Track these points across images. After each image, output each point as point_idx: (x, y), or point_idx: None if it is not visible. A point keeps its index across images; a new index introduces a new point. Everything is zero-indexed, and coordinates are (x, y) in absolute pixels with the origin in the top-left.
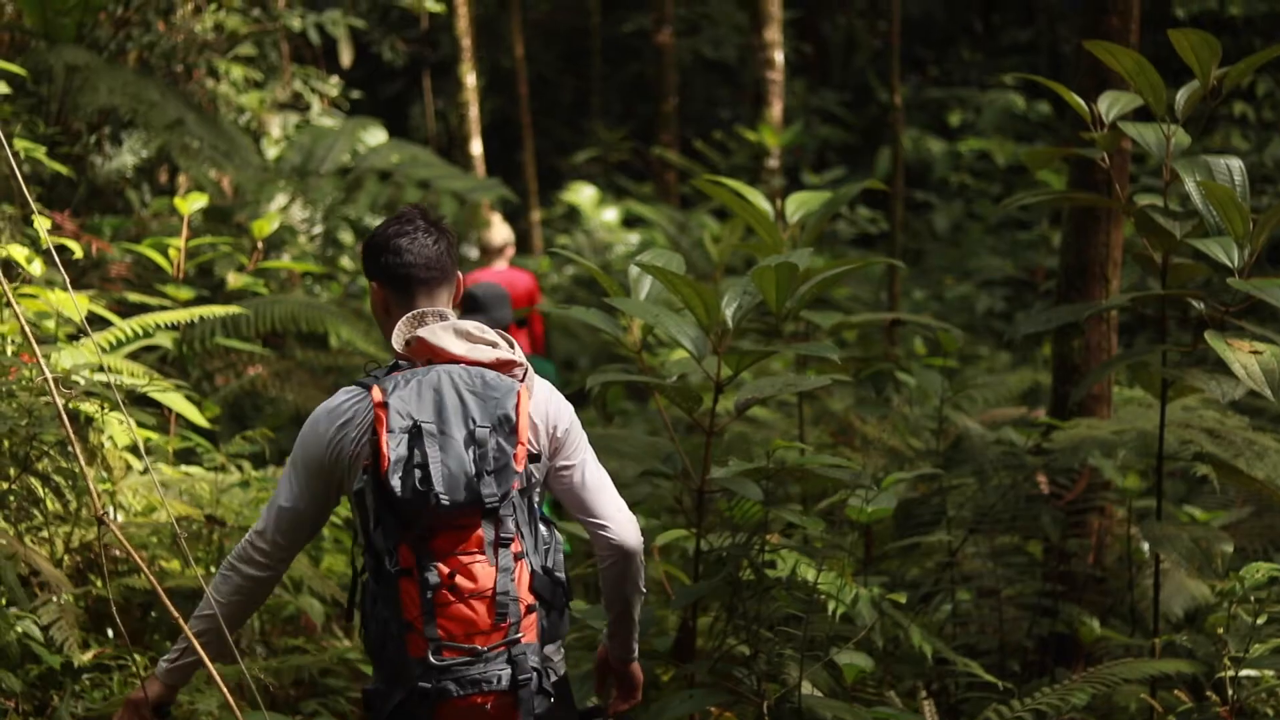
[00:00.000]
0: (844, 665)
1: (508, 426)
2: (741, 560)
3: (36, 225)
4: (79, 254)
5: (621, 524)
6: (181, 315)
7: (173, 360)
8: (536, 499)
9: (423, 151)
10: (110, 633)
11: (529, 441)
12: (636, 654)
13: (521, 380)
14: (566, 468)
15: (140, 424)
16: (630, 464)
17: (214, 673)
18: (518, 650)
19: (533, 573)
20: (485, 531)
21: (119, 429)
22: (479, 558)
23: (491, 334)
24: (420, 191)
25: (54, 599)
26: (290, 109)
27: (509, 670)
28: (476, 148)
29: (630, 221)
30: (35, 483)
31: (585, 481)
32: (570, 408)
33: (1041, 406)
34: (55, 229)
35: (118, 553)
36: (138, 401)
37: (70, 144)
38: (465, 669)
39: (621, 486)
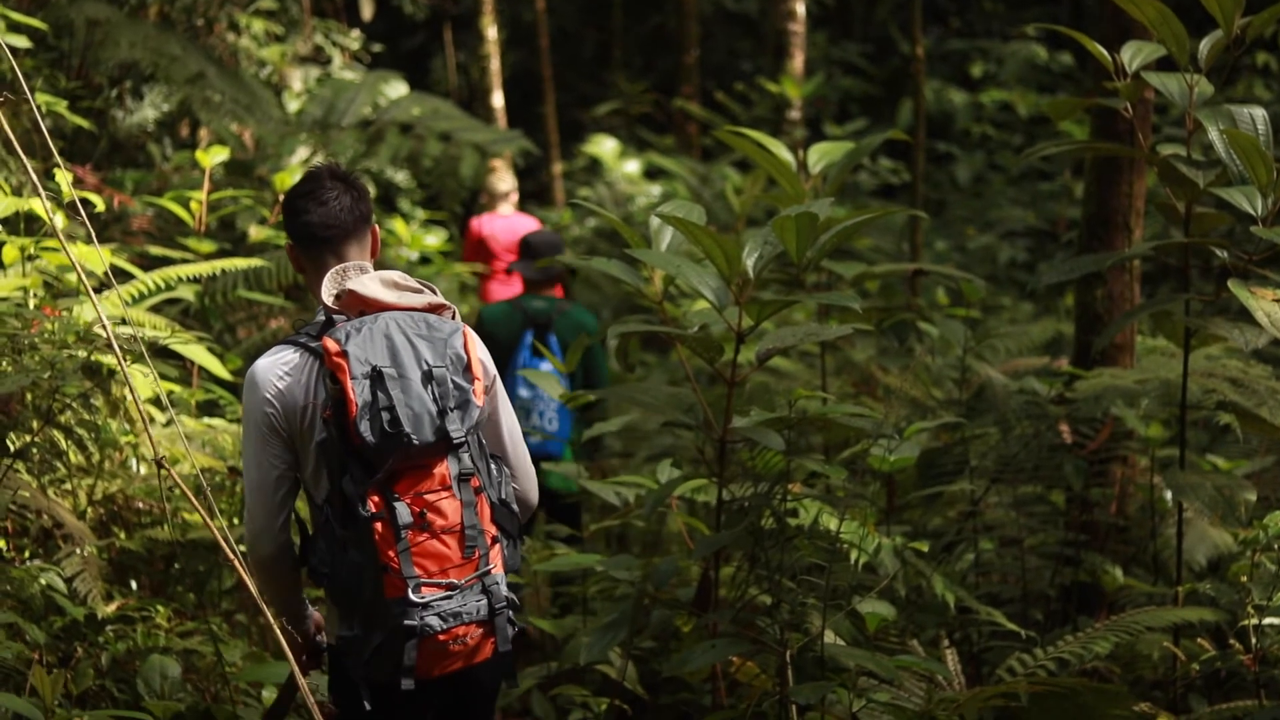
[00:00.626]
0: (866, 614)
1: (461, 364)
2: (764, 510)
3: (58, 179)
4: (101, 208)
5: (531, 480)
6: (203, 268)
7: (195, 313)
8: (482, 436)
9: (444, 104)
10: (134, 584)
11: (483, 378)
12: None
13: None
14: (494, 415)
15: (163, 376)
16: (652, 415)
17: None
18: (490, 581)
19: (492, 505)
20: (450, 468)
21: (141, 381)
22: (444, 494)
23: (414, 281)
24: (441, 144)
25: (77, 551)
26: (311, 62)
27: (485, 600)
28: (498, 100)
29: (652, 173)
30: (58, 435)
31: (508, 433)
32: (490, 360)
33: (1064, 356)
34: (77, 183)
35: (140, 505)
36: (160, 354)
37: (91, 98)
38: (444, 603)
39: (643, 437)
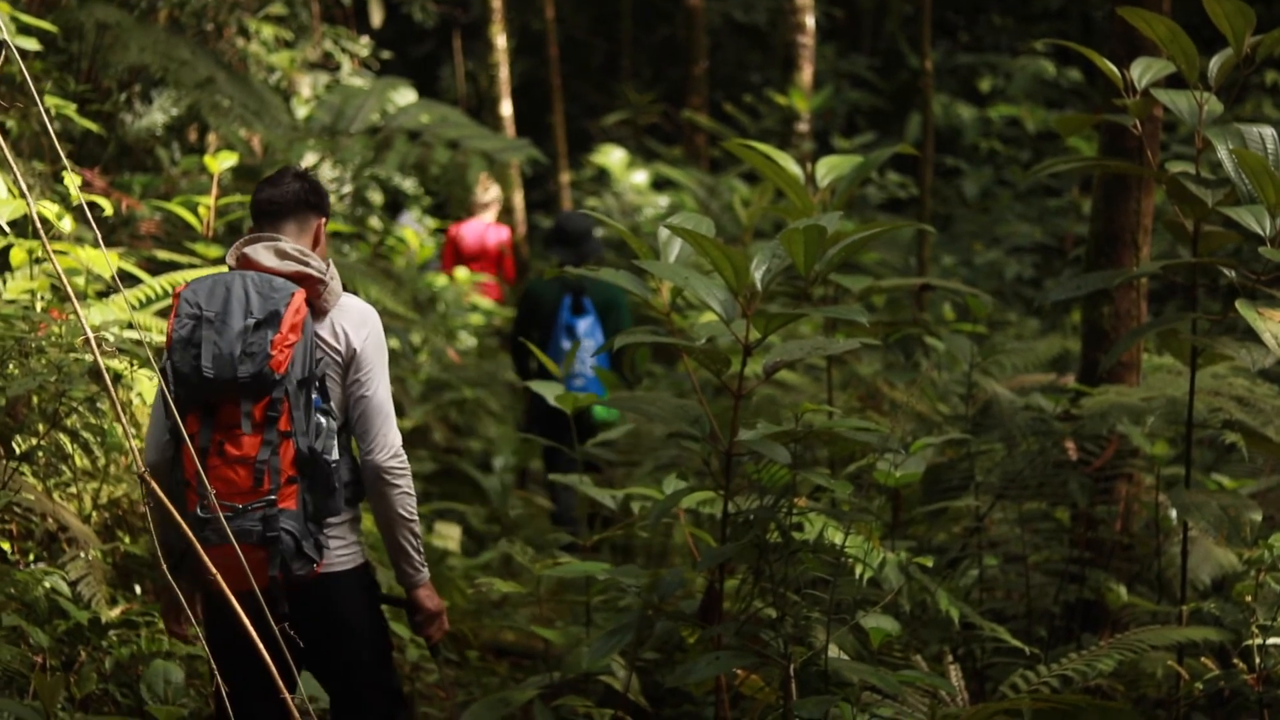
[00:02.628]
0: (870, 629)
1: (274, 321)
2: (769, 523)
3: (67, 182)
4: (109, 212)
5: (377, 449)
6: (211, 273)
7: None
8: (316, 396)
9: (452, 112)
10: (138, 588)
11: (328, 347)
12: (420, 580)
13: (319, 296)
14: (354, 386)
15: None
16: (658, 426)
17: (252, 630)
18: (272, 512)
19: (298, 451)
20: (253, 408)
21: (147, 385)
22: (245, 429)
23: (300, 255)
24: (449, 152)
25: (82, 555)
26: (320, 69)
27: (260, 527)
28: (506, 109)
29: (659, 184)
30: (64, 439)
31: (365, 410)
32: (377, 337)
33: (1070, 373)
34: (85, 186)
35: (144, 509)
36: None
37: (100, 102)
38: (224, 523)
39: (649, 448)
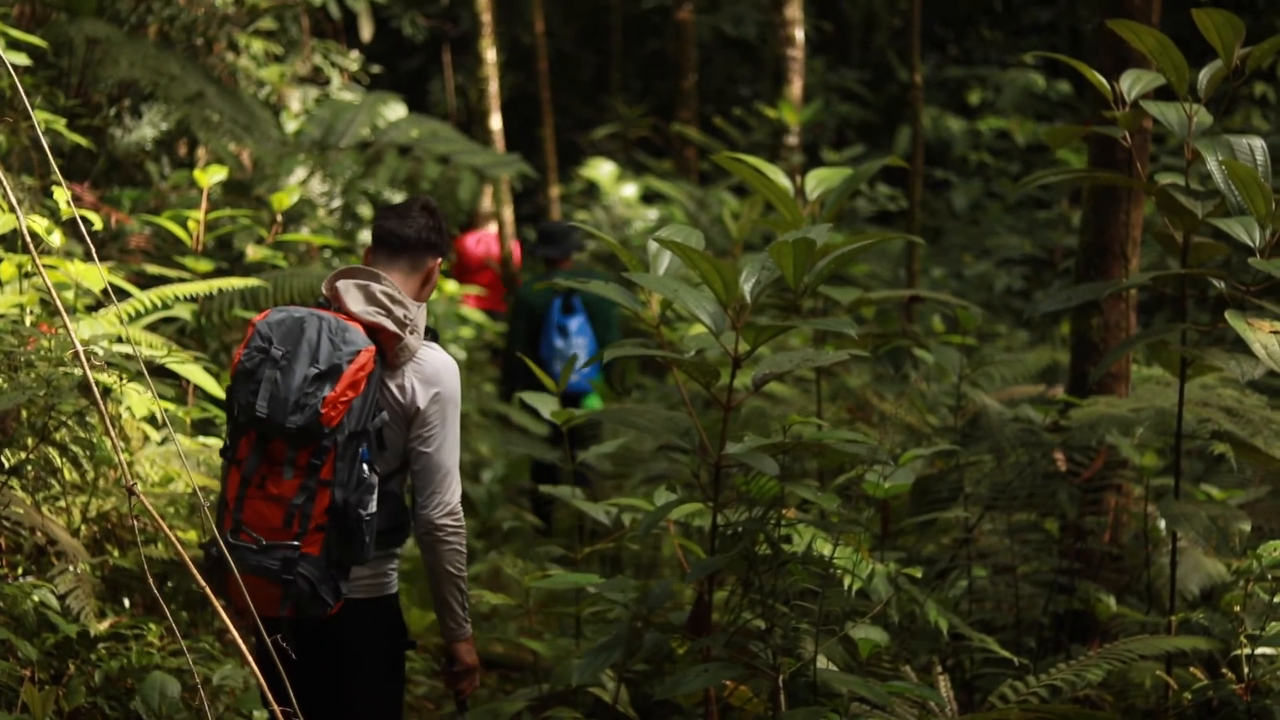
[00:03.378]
0: (859, 640)
1: (334, 375)
2: (758, 535)
3: (57, 196)
4: (99, 226)
5: (434, 505)
6: (200, 287)
7: (191, 332)
8: (365, 448)
9: (442, 126)
10: (126, 602)
11: (393, 402)
12: (462, 635)
13: (392, 350)
14: (416, 441)
15: (159, 395)
16: (648, 438)
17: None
18: (293, 555)
19: (333, 501)
20: (300, 453)
21: (137, 399)
22: (287, 471)
23: (395, 307)
24: (440, 166)
25: (71, 568)
26: (310, 83)
27: (278, 567)
28: (496, 123)
29: (649, 197)
30: (53, 453)
31: (424, 466)
32: (448, 395)
33: (1059, 384)
34: (75, 201)
35: (133, 523)
36: (156, 373)
37: (90, 116)
38: (248, 554)
39: (638, 461)
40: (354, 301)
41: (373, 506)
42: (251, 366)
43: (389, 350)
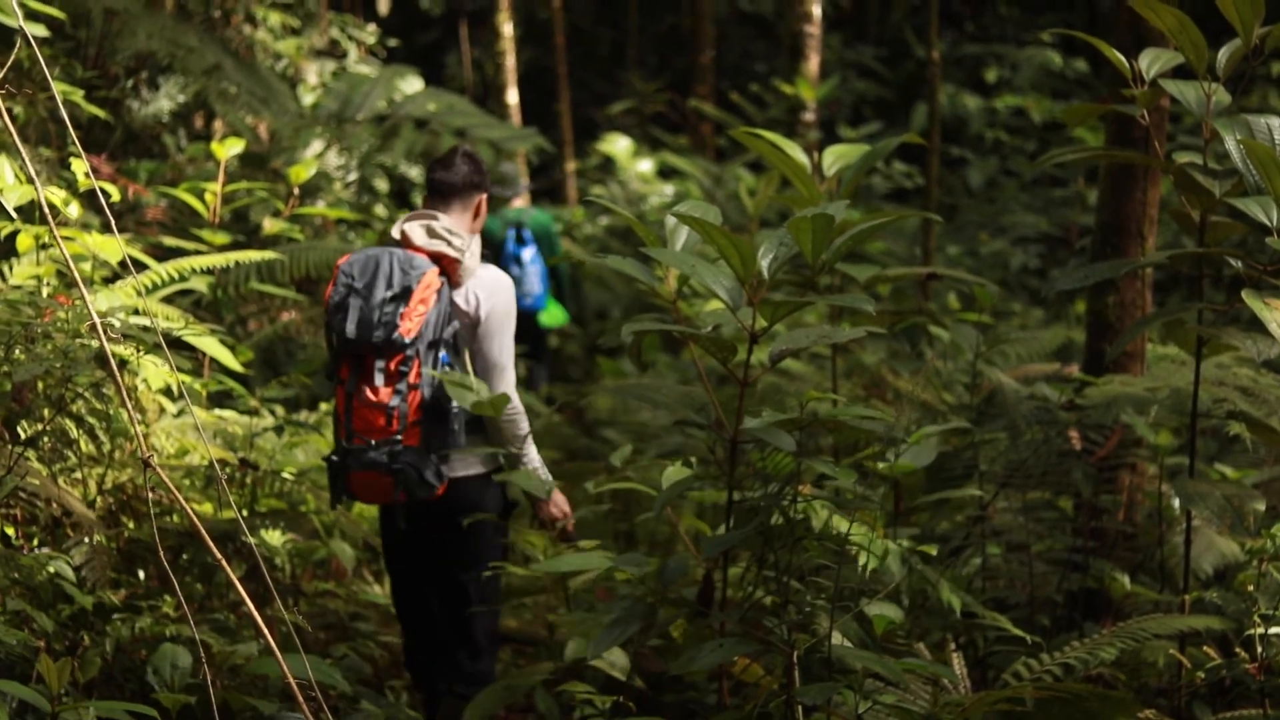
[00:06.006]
0: (873, 617)
1: (406, 295)
2: (773, 511)
3: (75, 168)
4: (116, 198)
5: (497, 393)
6: (217, 260)
7: (207, 305)
8: (445, 353)
9: (459, 100)
10: (141, 574)
11: (460, 311)
12: (541, 491)
13: (455, 272)
14: (478, 343)
15: (175, 367)
16: (664, 413)
17: (256, 615)
18: (398, 448)
19: (424, 399)
20: (387, 363)
21: (153, 372)
22: (379, 380)
23: (453, 237)
24: (456, 140)
25: (86, 540)
26: (327, 56)
27: (386, 460)
28: (512, 97)
29: (665, 173)
30: (69, 424)
31: (484, 363)
32: (504, 303)
33: (1075, 363)
34: (92, 172)
35: (148, 495)
36: (172, 345)
37: (107, 88)
38: (362, 453)
39: (653, 436)
40: (418, 237)
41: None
42: (339, 299)
43: (452, 272)
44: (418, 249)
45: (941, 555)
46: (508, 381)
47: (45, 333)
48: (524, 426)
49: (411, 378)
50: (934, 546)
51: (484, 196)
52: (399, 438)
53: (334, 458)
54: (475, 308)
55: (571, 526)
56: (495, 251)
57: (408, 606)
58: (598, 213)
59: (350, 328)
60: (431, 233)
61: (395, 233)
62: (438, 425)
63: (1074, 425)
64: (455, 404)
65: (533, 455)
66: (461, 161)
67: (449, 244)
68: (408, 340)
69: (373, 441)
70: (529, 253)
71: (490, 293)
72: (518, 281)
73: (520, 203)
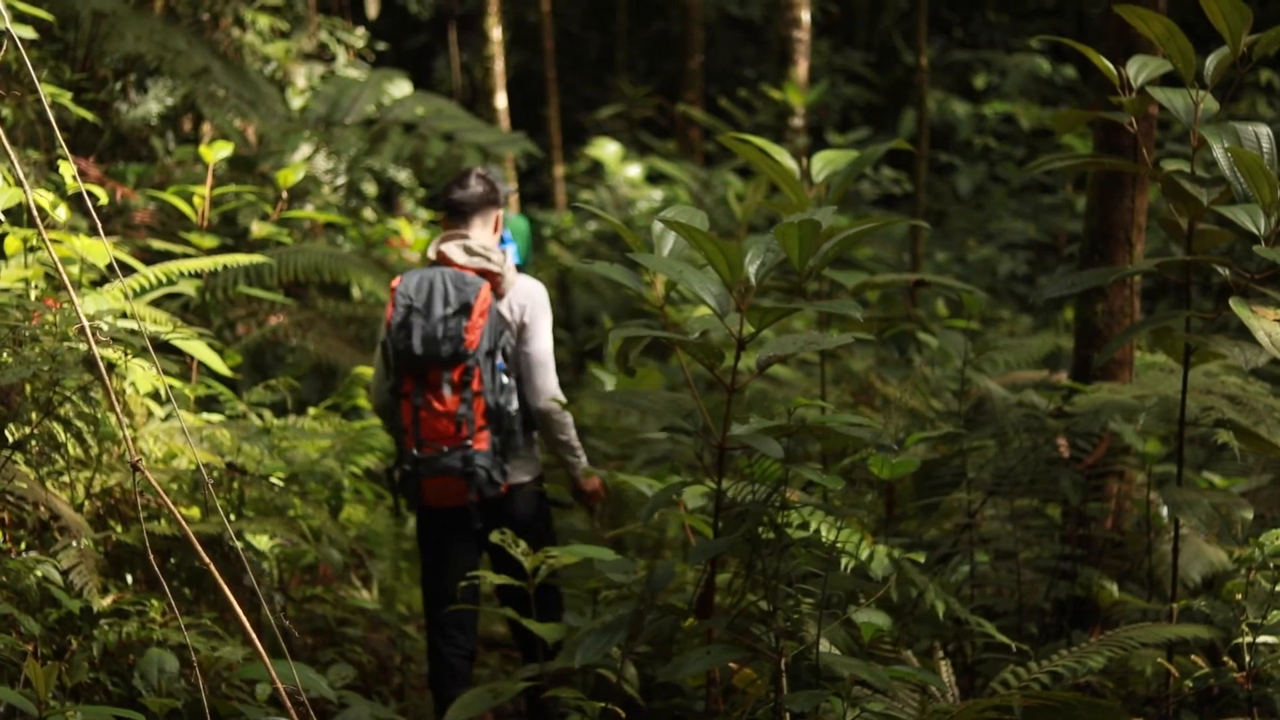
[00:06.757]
0: (861, 624)
1: (466, 310)
2: (761, 517)
3: (62, 171)
4: (104, 201)
5: (537, 394)
6: (205, 263)
7: (195, 308)
8: (500, 360)
9: (447, 104)
10: (129, 578)
11: (499, 319)
12: (579, 476)
13: (498, 285)
14: (521, 344)
15: (163, 371)
16: (651, 419)
17: (244, 619)
18: (469, 452)
19: (487, 405)
20: (452, 374)
21: (141, 375)
22: (446, 391)
23: (491, 252)
24: (444, 144)
25: (74, 544)
26: (316, 59)
27: (460, 464)
28: (501, 101)
29: (653, 178)
30: (57, 428)
31: (527, 363)
32: (541, 306)
33: (1063, 370)
34: (80, 175)
35: (136, 498)
36: (160, 349)
37: (96, 90)
38: (435, 460)
39: (641, 441)
40: (459, 256)
41: (515, 404)
42: (401, 319)
43: (496, 285)
44: (460, 267)
45: (929, 562)
46: (552, 379)
47: (33, 336)
48: (566, 422)
49: (475, 386)
50: (922, 553)
51: (500, 212)
52: (469, 443)
53: (405, 467)
54: (519, 315)
55: (596, 500)
56: None
57: (441, 608)
58: (586, 218)
59: (416, 344)
60: (469, 251)
61: (431, 253)
62: (501, 429)
63: (1062, 433)
64: (514, 407)
65: (578, 444)
66: (475, 181)
67: (488, 259)
68: (471, 352)
69: (445, 448)
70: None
71: (530, 300)
72: None
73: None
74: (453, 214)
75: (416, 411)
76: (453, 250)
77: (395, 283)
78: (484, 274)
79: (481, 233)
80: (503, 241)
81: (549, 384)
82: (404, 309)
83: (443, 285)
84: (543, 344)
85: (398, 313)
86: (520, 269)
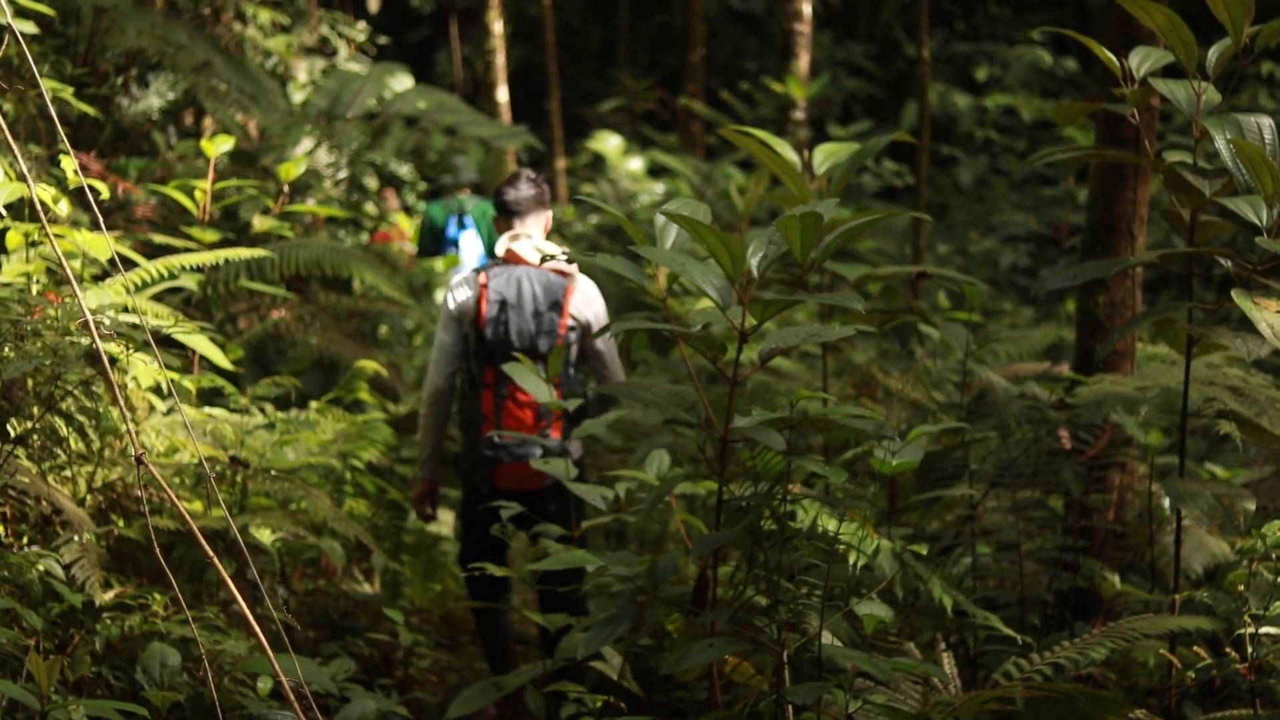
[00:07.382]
0: (864, 616)
1: (558, 308)
2: (763, 510)
3: (64, 165)
4: (105, 195)
5: (610, 383)
6: (206, 258)
7: (197, 302)
8: (572, 355)
9: (449, 98)
10: (132, 572)
11: (572, 318)
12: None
13: (569, 281)
14: (592, 341)
15: (165, 365)
16: (654, 412)
17: (248, 613)
18: (550, 440)
19: (562, 395)
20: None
21: (143, 370)
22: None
23: (553, 252)
24: (446, 138)
25: (76, 538)
26: (317, 54)
27: (539, 451)
28: (502, 95)
29: (655, 171)
30: (59, 422)
31: (599, 357)
32: (602, 304)
33: (1065, 362)
34: (82, 170)
35: (139, 493)
36: (162, 343)
37: (97, 85)
38: (515, 447)
39: (642, 435)
40: (530, 255)
41: (581, 392)
42: (495, 314)
43: (569, 286)
44: (533, 265)
45: (932, 554)
46: (620, 366)
47: (35, 330)
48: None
49: (555, 378)
50: (925, 546)
51: (549, 213)
52: (549, 431)
53: (486, 453)
54: (587, 314)
55: None
56: (440, 236)
57: (481, 575)
58: (588, 211)
59: (513, 337)
60: (539, 251)
61: (500, 251)
62: (570, 418)
63: (1064, 424)
64: (581, 399)
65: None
66: (525, 183)
67: (560, 259)
68: (559, 346)
69: (525, 437)
70: (468, 236)
71: (592, 299)
72: (456, 262)
73: (464, 192)
74: (508, 214)
75: (500, 401)
76: (524, 249)
77: (483, 279)
78: (562, 275)
79: (536, 233)
80: (463, 226)
81: (621, 371)
82: (498, 304)
83: (529, 285)
84: (608, 337)
85: (491, 307)
86: (488, 252)
